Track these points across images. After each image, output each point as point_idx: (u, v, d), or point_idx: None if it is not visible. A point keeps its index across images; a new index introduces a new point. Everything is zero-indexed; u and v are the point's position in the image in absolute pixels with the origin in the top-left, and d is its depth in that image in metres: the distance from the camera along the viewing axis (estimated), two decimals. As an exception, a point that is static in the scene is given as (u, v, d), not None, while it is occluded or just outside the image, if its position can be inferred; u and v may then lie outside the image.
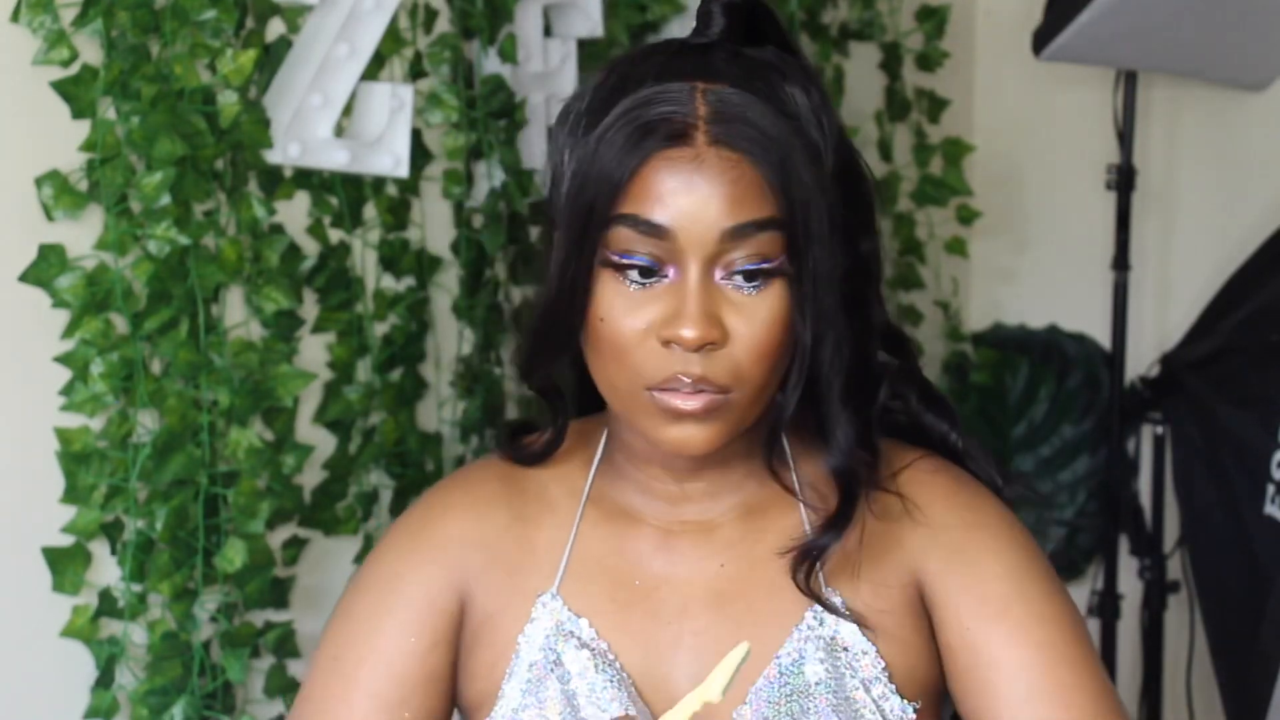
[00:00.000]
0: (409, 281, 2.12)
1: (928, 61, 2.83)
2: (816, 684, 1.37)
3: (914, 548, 1.41)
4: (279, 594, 1.96)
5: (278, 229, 1.96)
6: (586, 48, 2.28)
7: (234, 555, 1.88)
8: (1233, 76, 2.78)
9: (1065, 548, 2.95)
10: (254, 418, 1.93)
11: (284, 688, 1.96)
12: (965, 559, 1.40)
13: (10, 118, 1.77)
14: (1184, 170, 2.91)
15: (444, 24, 2.14)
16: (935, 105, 2.85)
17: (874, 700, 1.38)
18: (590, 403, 1.46)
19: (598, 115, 1.34)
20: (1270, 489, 2.44)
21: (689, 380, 1.32)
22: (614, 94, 1.34)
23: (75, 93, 1.78)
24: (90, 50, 1.79)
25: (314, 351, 2.03)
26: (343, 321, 2.05)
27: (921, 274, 2.85)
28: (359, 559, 2.07)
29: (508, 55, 2.17)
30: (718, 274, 1.32)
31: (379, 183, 2.08)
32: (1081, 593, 2.86)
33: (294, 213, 2.00)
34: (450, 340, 2.18)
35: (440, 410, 2.17)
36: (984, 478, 1.47)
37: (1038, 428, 2.96)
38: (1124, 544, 2.85)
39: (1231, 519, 2.55)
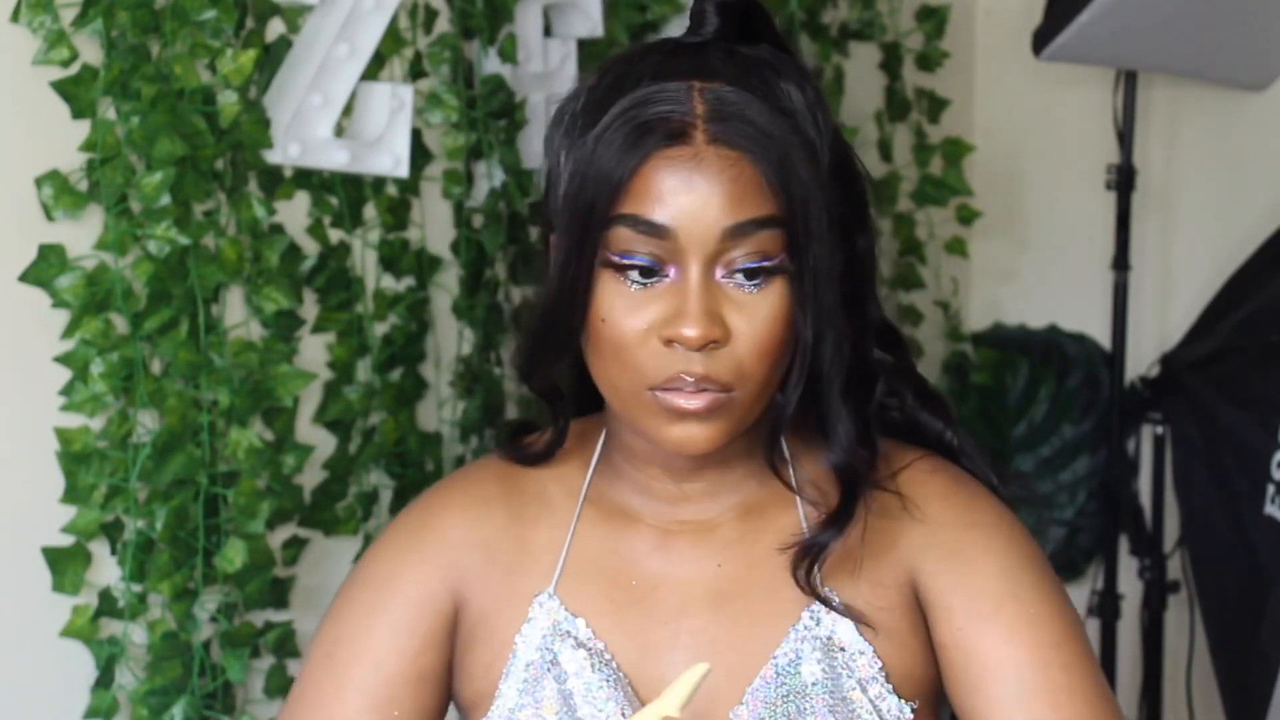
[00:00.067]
0: (409, 281, 2.12)
1: (928, 61, 2.83)
2: (813, 684, 1.37)
3: (910, 547, 1.41)
4: (279, 594, 1.97)
5: (278, 229, 1.96)
6: (586, 48, 2.28)
7: (234, 555, 1.88)
8: (1233, 76, 2.78)
9: (1065, 548, 2.95)
10: (254, 418, 1.93)
11: (284, 688, 1.96)
12: (960, 558, 1.40)
13: (10, 118, 1.77)
14: (1184, 170, 2.91)
15: (444, 24, 2.14)
16: (935, 105, 2.85)
17: (871, 700, 1.38)
18: (589, 403, 1.46)
19: (594, 116, 1.34)
20: (1270, 489, 2.44)
21: (692, 379, 1.32)
22: (610, 94, 1.34)
23: (75, 93, 1.78)
24: (90, 50, 1.79)
25: (314, 351, 2.03)
26: (343, 321, 2.05)
27: (921, 274, 2.85)
28: (359, 559, 2.07)
29: (508, 55, 2.17)
30: (719, 272, 1.32)
31: (379, 183, 2.08)
32: (1081, 593, 2.86)
33: (294, 213, 2.00)
34: (450, 340, 2.18)
35: (440, 410, 2.17)
36: (980, 476, 1.47)
37: (1038, 428, 2.96)
38: (1124, 544, 2.85)
39: (1231, 519, 2.55)
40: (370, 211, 2.08)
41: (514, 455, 1.48)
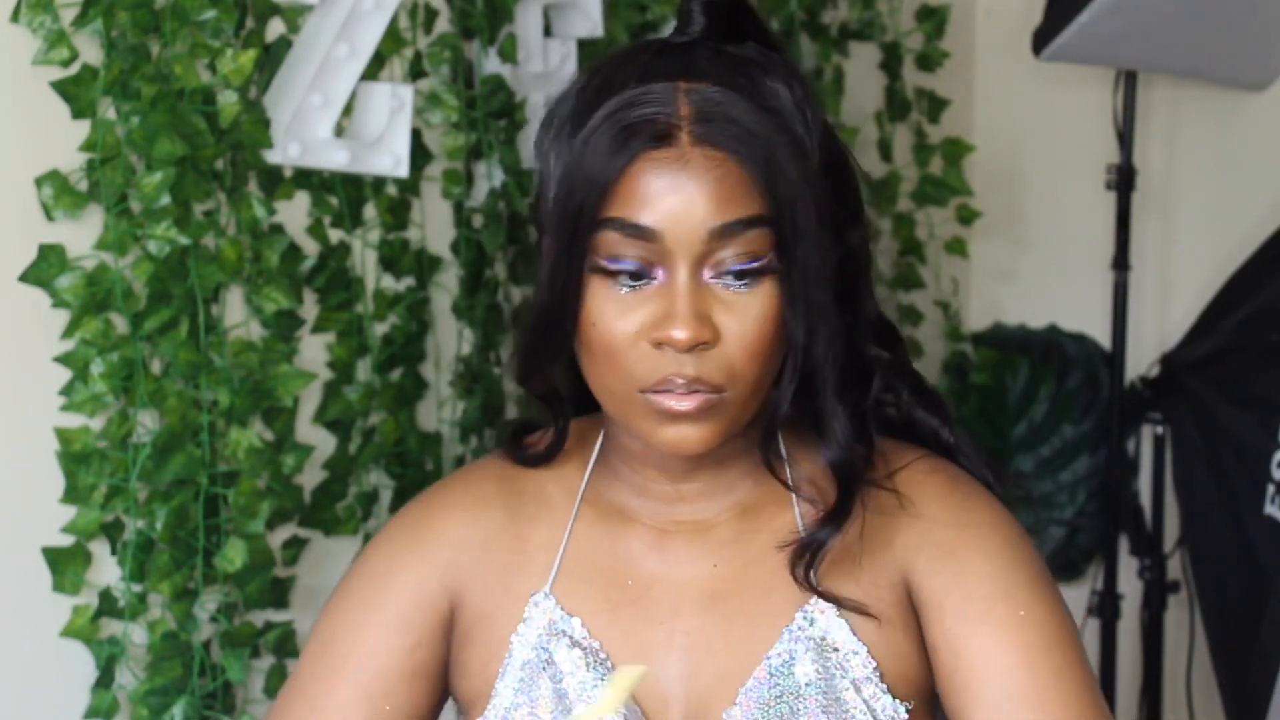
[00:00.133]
0: (409, 281, 2.12)
1: (928, 61, 2.83)
2: (806, 685, 1.37)
3: (906, 546, 1.41)
4: (279, 594, 1.97)
5: (278, 229, 1.96)
6: (586, 48, 2.28)
7: (234, 555, 1.88)
8: (1233, 76, 2.78)
9: (1065, 548, 2.95)
10: (254, 418, 1.93)
11: (284, 688, 1.97)
12: (954, 558, 1.39)
13: (10, 118, 1.77)
14: (1184, 170, 2.91)
15: (444, 24, 2.14)
16: (935, 105, 2.85)
17: (865, 700, 1.37)
18: (588, 402, 1.46)
19: (582, 118, 1.34)
20: (1270, 489, 2.44)
21: (683, 381, 1.32)
22: (598, 96, 1.34)
23: (75, 93, 1.78)
24: (90, 50, 1.79)
25: (314, 351, 2.03)
26: (343, 321, 2.05)
27: (921, 274, 2.85)
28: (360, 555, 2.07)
29: (508, 55, 2.17)
30: (707, 273, 1.32)
31: (379, 183, 2.08)
32: (1081, 593, 2.86)
33: (294, 213, 2.00)
34: (450, 340, 2.18)
35: (440, 410, 2.17)
36: (976, 475, 1.46)
37: (1038, 428, 2.96)
38: (1124, 544, 2.85)
39: (1231, 519, 2.55)
40: (370, 211, 2.08)
41: (515, 457, 1.48)
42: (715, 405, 1.33)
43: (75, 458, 1.81)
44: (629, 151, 1.31)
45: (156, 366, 1.86)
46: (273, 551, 1.94)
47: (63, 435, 1.81)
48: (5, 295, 1.78)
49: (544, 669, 1.41)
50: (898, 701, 1.39)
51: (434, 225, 2.15)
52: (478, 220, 2.18)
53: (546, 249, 1.36)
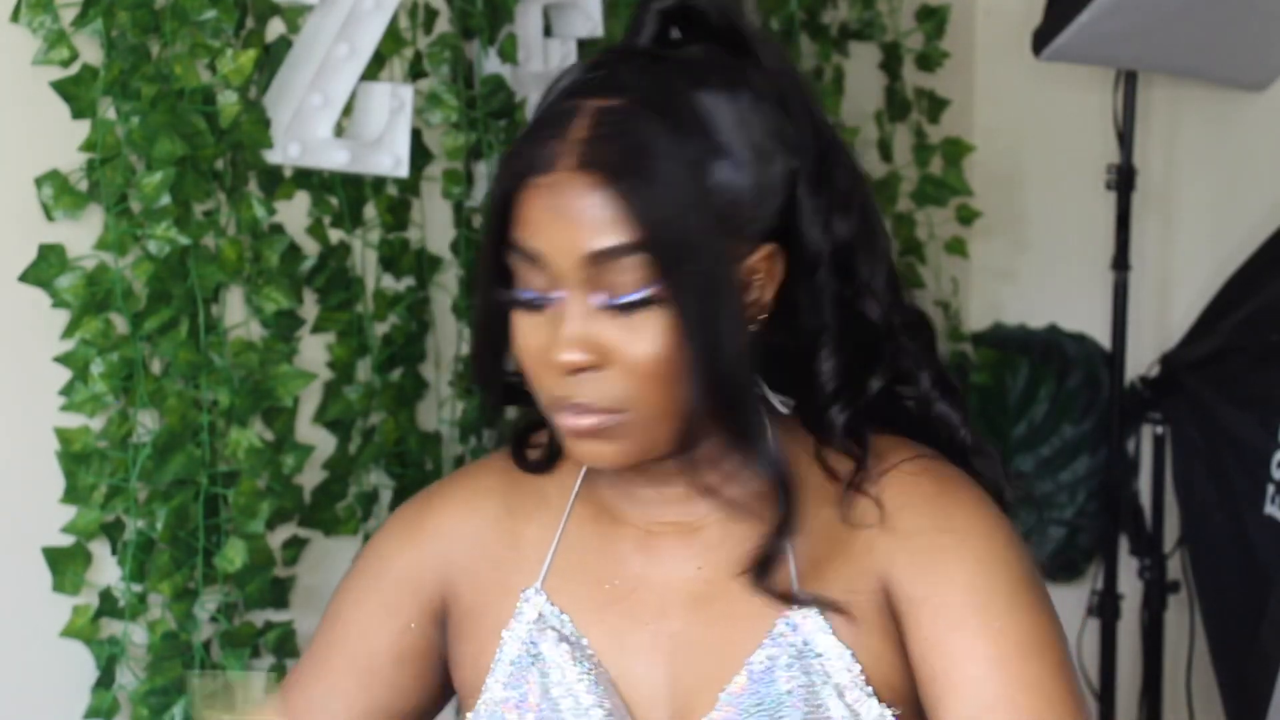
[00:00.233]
0: (409, 281, 2.12)
1: (928, 61, 2.83)
2: (787, 692, 1.36)
3: (885, 553, 1.38)
4: (279, 594, 1.97)
5: (278, 229, 1.96)
6: (586, 48, 2.28)
7: (234, 555, 1.88)
8: (1233, 76, 2.78)
9: (1065, 548, 2.94)
10: (254, 418, 1.93)
11: (284, 688, 1.96)
12: (930, 566, 1.36)
13: (10, 118, 1.77)
14: (1184, 170, 2.91)
15: (444, 24, 2.14)
16: (935, 105, 2.85)
17: (848, 706, 1.36)
18: None
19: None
20: (1270, 489, 2.44)
21: (574, 402, 1.33)
22: (531, 117, 1.38)
23: (75, 93, 1.78)
24: (90, 50, 1.79)
25: (314, 351, 2.03)
26: (343, 321, 2.05)
27: (921, 274, 2.85)
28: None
29: (508, 55, 2.17)
30: (599, 298, 1.31)
31: (379, 183, 2.08)
32: (1081, 593, 2.86)
33: (294, 213, 2.00)
34: (450, 340, 2.18)
35: (440, 410, 2.17)
36: (987, 479, 1.44)
37: (1038, 428, 2.95)
38: (1124, 544, 2.85)
39: (1231, 519, 2.55)
40: (370, 211, 2.08)
41: (517, 463, 1.48)
42: (615, 426, 1.33)
43: (75, 458, 1.81)
44: (518, 175, 1.32)
45: (156, 366, 1.86)
46: (273, 551, 1.94)
47: (63, 435, 1.81)
48: (5, 295, 1.78)
49: (532, 663, 1.41)
50: (884, 706, 1.37)
51: (434, 225, 2.15)
52: (478, 220, 2.18)
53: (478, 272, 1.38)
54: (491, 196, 1.36)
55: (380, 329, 2.10)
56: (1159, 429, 2.76)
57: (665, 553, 1.42)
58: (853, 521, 1.39)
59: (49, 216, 1.79)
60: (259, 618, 1.96)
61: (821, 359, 1.38)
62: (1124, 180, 2.77)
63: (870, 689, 1.37)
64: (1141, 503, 2.84)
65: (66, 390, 1.81)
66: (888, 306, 1.41)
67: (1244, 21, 2.63)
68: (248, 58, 1.86)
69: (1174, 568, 2.78)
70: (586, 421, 1.33)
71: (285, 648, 1.96)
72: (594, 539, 1.44)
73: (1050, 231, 3.03)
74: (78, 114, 1.79)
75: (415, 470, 2.12)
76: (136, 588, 1.85)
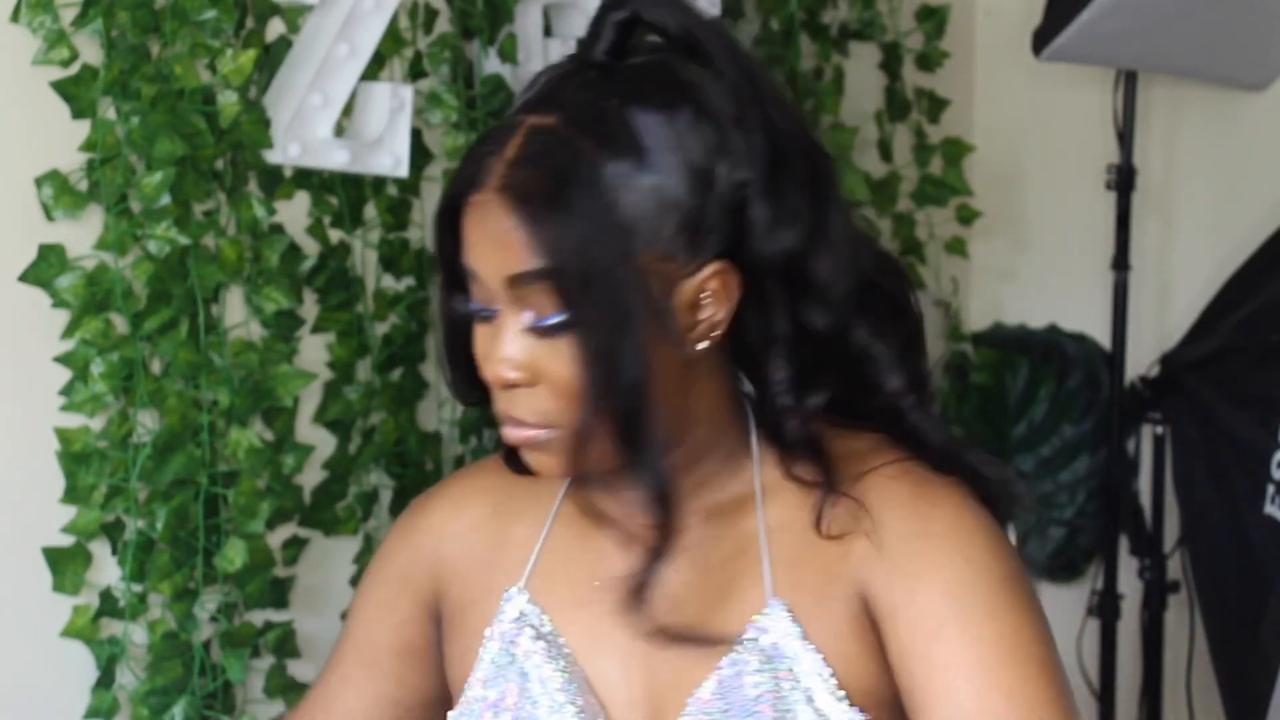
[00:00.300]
0: (409, 281, 2.12)
1: (928, 61, 2.83)
2: (757, 697, 1.36)
3: (860, 559, 1.37)
4: (279, 594, 1.97)
5: (278, 229, 1.96)
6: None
7: (234, 555, 1.88)
8: (1233, 76, 2.78)
9: (1065, 548, 2.94)
10: (254, 418, 1.93)
11: (284, 688, 1.96)
12: (907, 573, 1.35)
13: (10, 118, 1.77)
14: (1184, 170, 2.91)
15: (444, 24, 2.14)
16: (935, 105, 2.85)
17: (816, 711, 1.35)
18: None
19: None
20: (1270, 489, 2.44)
21: (509, 415, 1.35)
22: None
23: (75, 93, 1.78)
24: (90, 50, 1.79)
25: (314, 351, 2.03)
26: (343, 321, 2.05)
27: (921, 274, 2.85)
28: (359, 559, 2.07)
29: (508, 55, 2.17)
30: (528, 316, 1.32)
31: (379, 183, 2.08)
32: (1081, 593, 2.86)
33: (294, 213, 2.00)
34: (450, 340, 2.17)
35: (440, 410, 2.17)
36: (935, 445, 1.40)
37: (1038, 428, 2.96)
38: (1124, 544, 2.85)
39: (1231, 519, 2.55)
40: (370, 211, 2.08)
41: (506, 463, 1.48)
42: (550, 441, 1.34)
43: (75, 458, 1.81)
44: (455, 195, 1.33)
45: (156, 366, 1.86)
46: (273, 551, 1.94)
47: (63, 435, 1.81)
48: (5, 295, 1.78)
49: (511, 663, 1.42)
50: (856, 711, 1.36)
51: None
52: (478, 220, 2.18)
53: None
54: (437, 209, 1.37)
55: (380, 329, 2.10)
56: (1159, 429, 2.76)
57: (645, 554, 1.42)
58: (828, 526, 1.38)
59: (49, 216, 1.79)
60: (259, 618, 1.96)
61: (772, 371, 1.37)
62: (1124, 180, 2.77)
63: (842, 693, 1.36)
64: (1141, 503, 2.84)
65: (66, 390, 1.81)
66: (843, 310, 1.37)
67: (1244, 21, 2.63)
68: (248, 58, 1.86)
69: (1174, 568, 2.78)
70: (520, 435, 1.35)
71: (285, 648, 1.96)
72: (579, 539, 1.44)
73: (1050, 231, 3.03)
74: (78, 114, 1.79)
75: (415, 470, 2.12)
76: (136, 588, 1.85)
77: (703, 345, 1.34)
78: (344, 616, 1.95)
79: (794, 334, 1.36)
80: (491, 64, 2.17)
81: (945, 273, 2.91)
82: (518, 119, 1.33)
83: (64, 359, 1.81)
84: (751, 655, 1.37)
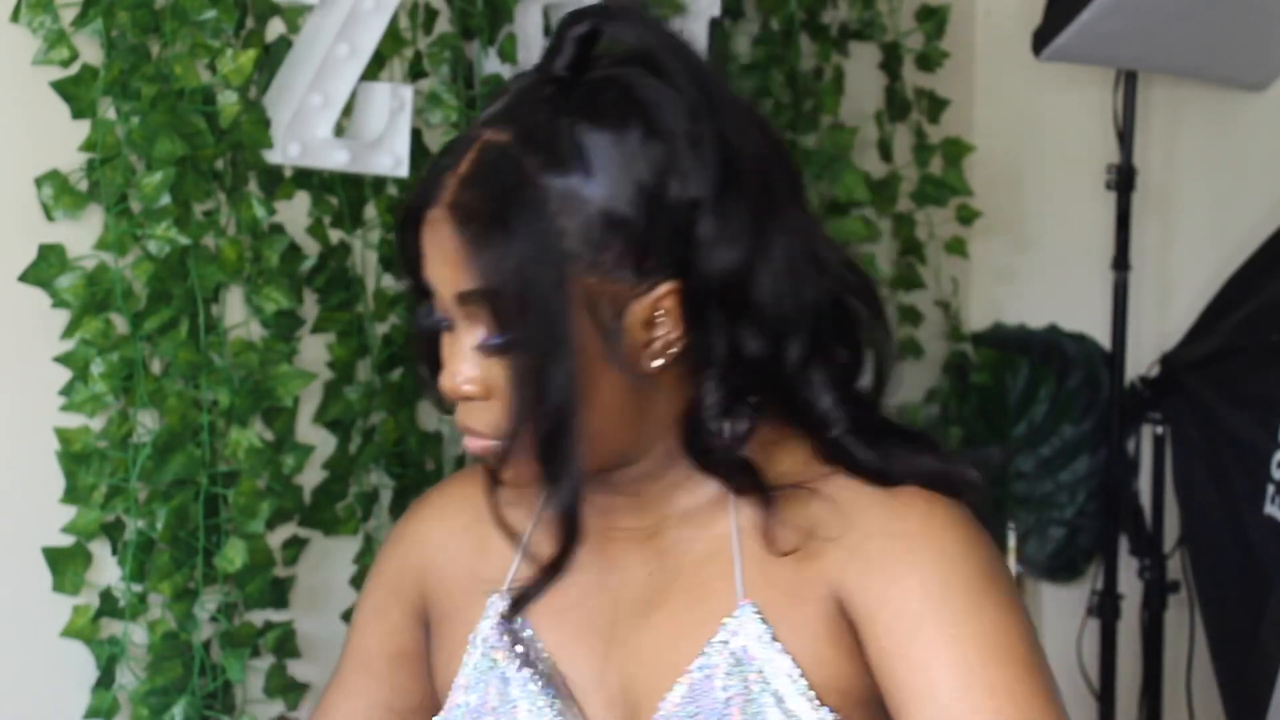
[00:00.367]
0: (409, 281, 2.12)
1: (928, 61, 2.83)
2: (727, 699, 1.35)
3: (833, 560, 1.35)
4: (279, 594, 1.97)
5: (278, 229, 1.96)
6: (586, 48, 2.28)
7: (234, 555, 1.88)
8: (1233, 76, 2.78)
9: (1065, 548, 2.95)
10: (254, 418, 1.93)
11: (284, 688, 1.96)
12: (882, 573, 1.33)
13: (10, 118, 1.77)
14: (1184, 170, 2.91)
15: (444, 24, 2.14)
16: (935, 105, 2.85)
17: (786, 713, 1.35)
18: None
19: None
20: (1270, 489, 2.44)
21: (465, 426, 1.36)
22: None
23: (75, 93, 1.78)
24: (90, 50, 1.79)
25: (314, 351, 2.03)
26: (343, 321, 2.05)
27: (921, 274, 2.85)
28: (359, 559, 2.07)
29: (508, 55, 2.17)
30: (479, 333, 1.32)
31: (379, 183, 2.08)
32: (1081, 593, 2.86)
33: (294, 213, 2.00)
34: (450, 340, 2.17)
35: (440, 410, 2.17)
36: (864, 465, 1.37)
37: (1038, 428, 2.96)
38: (1124, 544, 2.85)
39: (1231, 519, 2.55)
40: (370, 211, 2.08)
41: (487, 475, 1.47)
42: (498, 452, 1.34)
43: (75, 458, 1.81)
44: (414, 209, 1.34)
45: (156, 366, 1.86)
46: (273, 551, 1.94)
47: (63, 435, 1.81)
48: (5, 295, 1.78)
49: (491, 668, 1.42)
50: (828, 712, 1.35)
51: (434, 225, 2.15)
52: (478, 220, 2.18)
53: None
54: (397, 221, 1.37)
55: (380, 329, 2.10)
56: (1159, 429, 2.76)
57: (619, 558, 1.42)
58: (799, 525, 1.36)
59: (49, 216, 1.79)
60: (259, 618, 1.96)
61: (706, 393, 1.35)
62: (1124, 180, 2.77)
63: (813, 694, 1.35)
64: (1141, 503, 2.84)
65: (66, 390, 1.81)
66: (779, 334, 1.35)
67: (1244, 21, 2.63)
68: (248, 58, 1.86)
69: (1174, 568, 2.78)
70: (477, 445, 1.35)
71: (285, 648, 1.96)
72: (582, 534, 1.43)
73: (1050, 231, 3.03)
74: (78, 114, 1.79)
75: (415, 470, 2.12)
76: (136, 588, 1.85)
77: (658, 363, 1.33)
78: (344, 617, 1.95)
79: (729, 357, 1.34)
80: (491, 64, 2.17)
81: (945, 273, 2.91)
82: (476, 132, 1.33)
83: (64, 359, 1.81)
84: (721, 658, 1.36)
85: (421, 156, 2.11)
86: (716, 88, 1.34)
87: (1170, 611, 2.77)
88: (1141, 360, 2.83)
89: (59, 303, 1.79)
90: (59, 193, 1.79)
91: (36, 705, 1.83)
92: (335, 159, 1.98)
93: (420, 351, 1.41)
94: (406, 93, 2.04)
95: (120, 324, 1.83)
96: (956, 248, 2.88)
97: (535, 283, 1.29)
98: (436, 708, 1.50)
